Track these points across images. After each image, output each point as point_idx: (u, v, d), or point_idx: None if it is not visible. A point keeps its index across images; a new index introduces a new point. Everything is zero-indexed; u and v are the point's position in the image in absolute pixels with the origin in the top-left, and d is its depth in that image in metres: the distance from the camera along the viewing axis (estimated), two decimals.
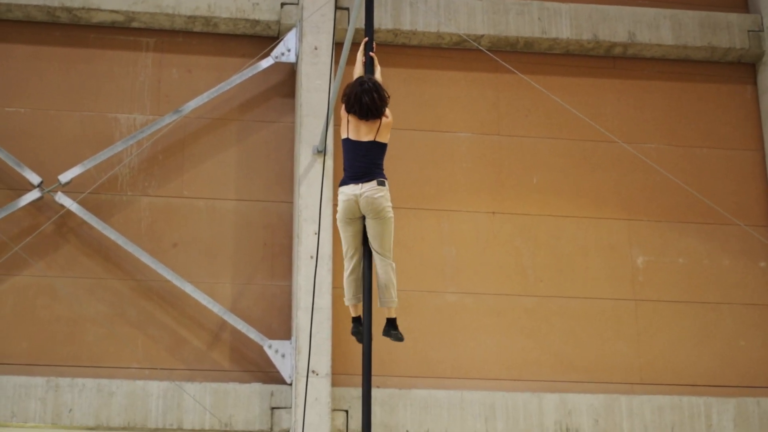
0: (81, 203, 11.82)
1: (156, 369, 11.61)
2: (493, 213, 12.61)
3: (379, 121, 9.02)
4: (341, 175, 9.23)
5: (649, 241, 12.74)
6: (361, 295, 9.26)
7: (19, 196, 11.80)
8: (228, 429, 11.35)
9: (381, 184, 9.03)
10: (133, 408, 11.31)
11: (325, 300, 11.50)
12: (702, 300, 12.65)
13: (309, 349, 10.07)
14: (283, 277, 12.10)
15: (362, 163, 9.04)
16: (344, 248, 9.31)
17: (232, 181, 12.35)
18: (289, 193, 12.33)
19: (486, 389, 11.91)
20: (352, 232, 9.17)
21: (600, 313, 12.42)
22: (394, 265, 9.26)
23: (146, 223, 12.12)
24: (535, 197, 12.73)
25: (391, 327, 9.52)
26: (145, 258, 11.74)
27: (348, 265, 9.31)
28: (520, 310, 12.33)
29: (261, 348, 11.66)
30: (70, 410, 11.24)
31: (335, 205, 11.88)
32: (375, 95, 8.98)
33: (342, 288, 11.54)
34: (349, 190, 9.04)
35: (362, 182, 9.01)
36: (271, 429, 11.41)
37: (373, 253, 9.20)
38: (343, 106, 9.15)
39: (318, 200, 11.42)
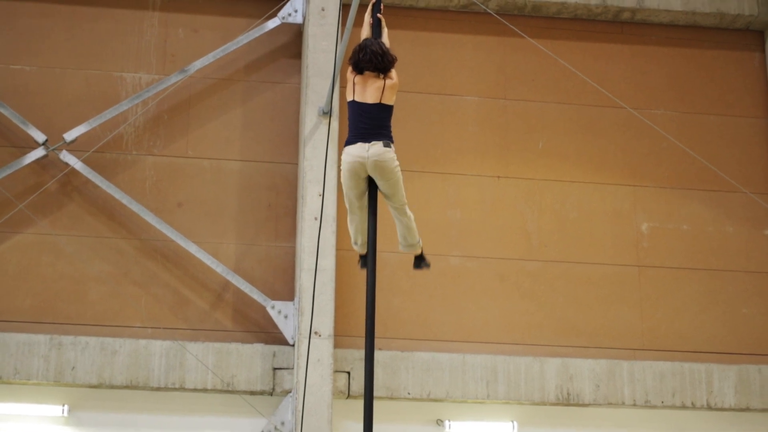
0: (86, 162, 11.82)
1: (159, 328, 11.64)
2: (499, 177, 12.60)
3: (383, 82, 9.00)
4: (346, 136, 9.20)
5: (653, 207, 12.73)
6: (363, 242, 9.39)
7: (24, 154, 11.80)
8: (230, 389, 11.39)
9: (387, 145, 9.00)
10: (136, 367, 11.35)
11: (328, 261, 11.50)
12: (705, 267, 12.65)
13: (312, 310, 10.09)
14: (286, 238, 12.11)
15: (367, 124, 9.00)
16: (346, 203, 9.33)
17: (237, 141, 12.34)
18: (294, 154, 12.32)
19: (488, 353, 11.94)
20: (356, 192, 9.17)
21: (603, 279, 12.43)
22: (411, 214, 9.38)
23: (151, 182, 12.12)
24: (540, 162, 12.71)
25: (420, 260, 9.85)
26: (149, 217, 11.74)
27: (349, 217, 9.38)
28: (524, 275, 12.34)
29: (264, 309, 11.69)
30: (73, 368, 11.27)
31: (340, 166, 11.95)
32: (380, 49, 9.02)
33: (346, 250, 11.63)
34: (354, 151, 8.99)
35: (368, 142, 8.98)
36: (273, 389, 11.44)
37: (390, 208, 9.30)
38: (350, 68, 9.14)
39: (323, 162, 11.42)
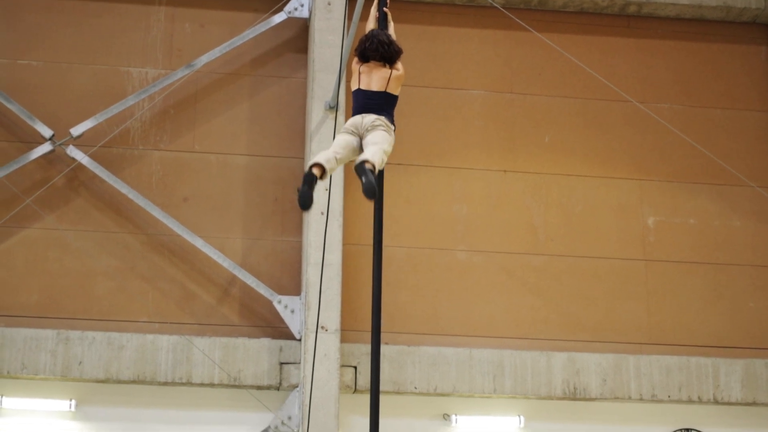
0: (92, 157, 11.83)
1: (166, 323, 11.66)
2: (505, 171, 12.60)
3: (390, 72, 8.97)
4: None
5: (660, 201, 12.72)
6: (333, 164, 8.50)
7: (31, 149, 11.80)
8: (237, 383, 11.40)
9: (387, 121, 8.77)
10: (143, 361, 11.37)
11: (335, 256, 11.51)
12: (712, 261, 12.64)
13: (318, 304, 10.11)
14: (293, 232, 12.12)
15: (370, 106, 8.86)
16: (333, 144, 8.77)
17: (244, 136, 12.35)
18: (301, 148, 12.33)
19: (494, 347, 11.94)
20: (348, 137, 8.75)
21: (610, 273, 12.43)
22: (386, 148, 8.65)
23: (157, 177, 12.13)
24: (546, 156, 12.70)
25: (362, 173, 8.31)
26: (156, 212, 11.76)
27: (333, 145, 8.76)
28: (530, 269, 12.34)
29: (270, 303, 11.70)
30: (80, 363, 11.30)
31: (346, 163, 11.95)
32: (387, 38, 8.99)
33: (353, 244, 11.64)
34: (357, 114, 8.81)
35: (367, 114, 8.80)
36: (280, 384, 11.46)
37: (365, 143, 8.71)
38: (355, 59, 9.09)
39: None
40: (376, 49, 8.94)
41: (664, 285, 12.47)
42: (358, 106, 8.93)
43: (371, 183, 8.07)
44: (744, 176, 12.52)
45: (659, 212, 12.70)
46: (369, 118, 8.75)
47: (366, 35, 9.07)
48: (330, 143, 11.45)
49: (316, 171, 8.27)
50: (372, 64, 8.99)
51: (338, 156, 8.57)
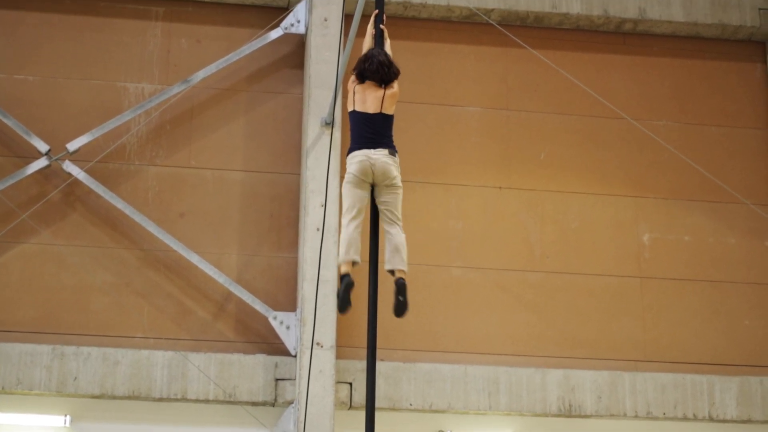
0: (88, 172, 11.83)
1: (161, 339, 11.65)
2: (500, 188, 12.61)
3: (383, 91, 9.00)
4: (349, 146, 9.19)
5: (655, 218, 12.74)
6: (356, 249, 9.02)
7: (27, 164, 11.80)
8: (232, 399, 11.39)
9: (392, 154, 9.02)
10: (138, 377, 11.35)
11: (330, 272, 11.51)
12: (707, 278, 12.65)
13: (314, 321, 10.06)
14: (289, 248, 12.12)
15: (370, 133, 8.98)
16: (349, 206, 9.01)
17: (240, 152, 12.35)
18: (297, 164, 12.34)
19: (490, 364, 11.94)
20: (360, 194, 9.03)
21: (605, 290, 12.44)
22: (404, 234, 9.18)
23: (153, 192, 12.14)
24: (542, 172, 12.72)
25: (402, 291, 9.06)
26: (151, 228, 11.76)
27: (352, 223, 8.99)
28: (526, 286, 12.35)
29: (266, 319, 11.70)
30: (75, 378, 11.28)
31: (342, 177, 11.93)
32: (387, 59, 9.03)
33: None
34: (362, 153, 8.94)
35: (374, 148, 8.95)
36: (275, 400, 11.45)
37: (385, 221, 9.06)
38: (352, 77, 9.14)
39: (325, 172, 11.42)
40: (376, 71, 9.00)
41: (659, 302, 12.48)
42: (357, 133, 9.00)
43: (406, 304, 9.00)
44: (739, 193, 12.53)
45: (654, 229, 12.72)
46: (378, 161, 8.86)
47: (366, 55, 9.11)
48: (325, 160, 11.50)
49: (351, 274, 8.97)
50: (367, 84, 9.05)
51: (357, 245, 8.97)
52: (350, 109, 9.12)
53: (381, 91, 9.01)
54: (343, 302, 8.97)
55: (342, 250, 9.04)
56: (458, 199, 12.52)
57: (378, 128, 9.00)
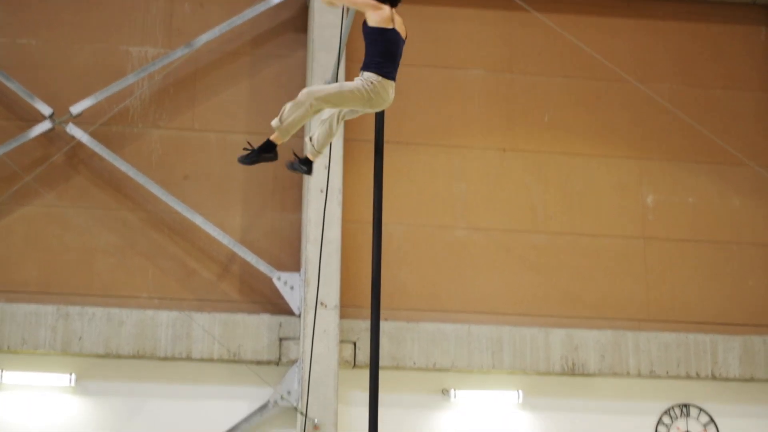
0: (92, 135, 11.85)
1: (166, 299, 11.68)
2: (504, 150, 12.61)
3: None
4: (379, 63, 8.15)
5: (659, 180, 12.74)
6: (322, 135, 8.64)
7: (31, 127, 11.81)
8: (236, 359, 11.43)
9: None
10: (143, 337, 11.39)
11: (334, 233, 11.53)
12: (711, 239, 12.65)
13: (318, 281, 10.07)
14: (293, 210, 12.13)
15: (398, 61, 8.17)
16: (334, 101, 8.21)
17: (244, 114, 12.35)
18: (300, 128, 12.28)
19: (493, 323, 11.96)
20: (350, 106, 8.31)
21: (609, 251, 12.44)
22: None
23: (157, 155, 12.15)
24: (546, 135, 12.71)
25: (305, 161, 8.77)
26: (155, 189, 11.77)
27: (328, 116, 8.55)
28: (529, 247, 12.35)
29: (270, 280, 11.72)
30: (80, 338, 11.32)
31: (345, 139, 11.96)
32: None
33: (352, 222, 11.66)
34: (392, 87, 8.10)
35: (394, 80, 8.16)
36: (279, 359, 11.49)
37: (338, 115, 8.51)
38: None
39: None
40: None
41: (663, 263, 12.49)
42: (392, 55, 8.11)
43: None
44: (743, 155, 12.52)
45: (659, 191, 12.71)
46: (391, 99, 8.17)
47: None
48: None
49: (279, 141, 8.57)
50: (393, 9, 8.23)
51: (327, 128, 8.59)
52: (388, 26, 8.10)
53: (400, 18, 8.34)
54: (252, 160, 8.58)
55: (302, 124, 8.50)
56: (462, 161, 12.52)
57: (400, 58, 8.24)
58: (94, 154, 11.88)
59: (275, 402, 11.41)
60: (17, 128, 11.90)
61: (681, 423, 12.10)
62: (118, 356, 11.38)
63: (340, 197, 11.68)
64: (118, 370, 11.47)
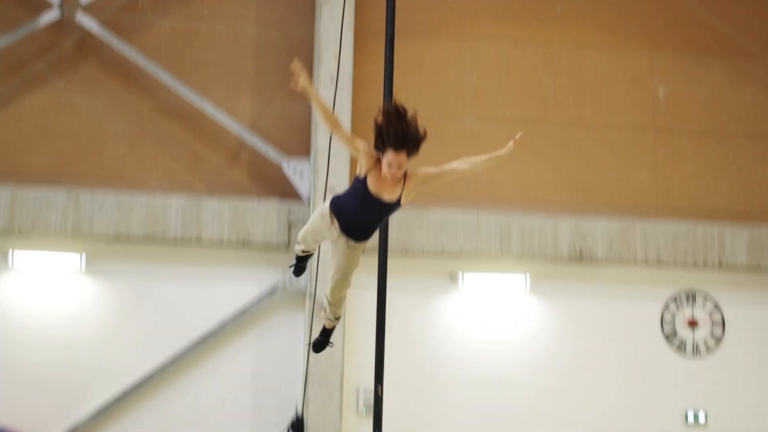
0: (101, 24, 11.81)
1: (176, 185, 11.72)
2: (516, 41, 12.55)
3: (404, 177, 7.19)
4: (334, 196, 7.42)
5: (671, 71, 12.67)
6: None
7: (39, 15, 11.77)
8: (245, 243, 11.50)
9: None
10: (153, 221, 11.46)
11: (344, 121, 11.51)
12: (722, 131, 12.62)
13: (327, 168, 10.06)
14: (302, 97, 12.03)
15: (360, 225, 7.26)
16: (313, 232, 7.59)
17: (254, 3, 12.28)
18: (311, 15, 12.25)
19: (502, 210, 11.99)
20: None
21: (618, 141, 12.43)
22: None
23: (167, 44, 12.12)
24: (557, 26, 12.62)
25: (326, 339, 7.79)
26: (165, 77, 11.76)
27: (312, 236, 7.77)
28: (539, 136, 12.34)
29: (279, 167, 11.74)
30: (91, 220, 11.39)
31: (356, 28, 11.89)
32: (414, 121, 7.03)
33: (362, 110, 11.64)
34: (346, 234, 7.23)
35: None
36: (288, 243, 11.55)
37: (338, 277, 7.53)
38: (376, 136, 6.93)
39: (339, 23, 11.34)
40: (403, 141, 6.98)
41: (672, 154, 12.48)
42: (356, 211, 7.17)
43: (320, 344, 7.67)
44: (756, 48, 12.45)
45: (670, 82, 12.65)
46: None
47: (391, 110, 7.01)
48: (340, 11, 11.42)
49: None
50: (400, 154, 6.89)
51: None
52: (368, 186, 6.96)
53: (401, 181, 7.08)
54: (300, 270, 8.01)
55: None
56: (472, 52, 12.46)
57: (376, 221, 7.29)
58: (103, 43, 11.84)
59: (284, 285, 11.50)
60: (25, 17, 11.82)
61: (687, 309, 12.18)
62: (129, 239, 11.45)
63: (350, 86, 11.67)
64: (128, 252, 11.57)
